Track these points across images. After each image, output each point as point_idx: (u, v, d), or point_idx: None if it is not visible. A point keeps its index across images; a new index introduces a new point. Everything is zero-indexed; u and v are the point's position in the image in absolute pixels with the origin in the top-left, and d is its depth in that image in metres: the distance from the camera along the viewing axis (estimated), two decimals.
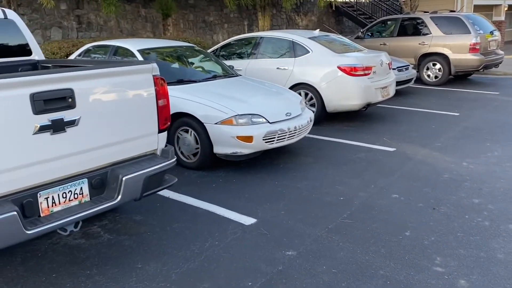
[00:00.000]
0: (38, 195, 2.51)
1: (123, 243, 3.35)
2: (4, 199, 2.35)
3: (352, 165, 5.07)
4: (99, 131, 2.73)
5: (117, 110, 2.82)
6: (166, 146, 3.23)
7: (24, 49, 3.91)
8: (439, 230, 3.48)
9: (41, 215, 2.54)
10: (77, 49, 7.17)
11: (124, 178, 2.79)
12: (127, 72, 2.85)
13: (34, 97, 2.38)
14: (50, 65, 3.90)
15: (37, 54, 4.00)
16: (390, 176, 4.68)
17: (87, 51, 6.49)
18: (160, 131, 3.12)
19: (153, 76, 3.01)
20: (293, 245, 3.28)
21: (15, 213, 2.29)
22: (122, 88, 2.83)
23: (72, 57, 6.70)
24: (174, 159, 3.18)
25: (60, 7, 10.70)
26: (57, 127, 2.50)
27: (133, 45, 5.77)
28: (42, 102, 2.42)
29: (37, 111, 2.40)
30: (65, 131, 2.55)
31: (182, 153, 4.99)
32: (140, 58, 5.47)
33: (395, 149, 5.66)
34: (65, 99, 2.52)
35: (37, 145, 2.44)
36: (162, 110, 3.10)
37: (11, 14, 3.83)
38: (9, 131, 2.32)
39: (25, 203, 2.45)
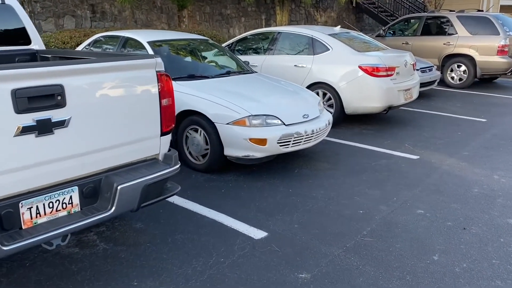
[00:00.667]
0: (20, 205, 2.21)
1: (119, 255, 3.04)
2: None
3: (372, 173, 4.70)
4: (92, 134, 2.42)
5: (114, 110, 2.49)
6: (169, 150, 2.90)
7: (23, 38, 3.61)
8: (471, 255, 3.10)
9: (23, 227, 2.24)
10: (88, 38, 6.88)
11: (119, 187, 2.47)
12: (127, 67, 2.52)
13: (16, 94, 2.07)
14: (49, 55, 3.60)
15: (37, 43, 3.70)
16: (414, 188, 4.30)
17: (96, 41, 6.20)
18: (163, 134, 2.80)
19: (157, 72, 2.68)
20: (307, 266, 2.94)
21: None
22: (120, 85, 2.51)
23: (80, 47, 6.42)
24: (177, 166, 2.85)
25: None
26: (43, 128, 2.19)
27: (144, 36, 5.46)
28: (26, 100, 2.11)
29: (19, 109, 2.09)
30: (53, 133, 2.24)
31: (190, 153, 4.67)
32: (150, 50, 5.15)
33: (418, 157, 5.26)
34: (53, 97, 2.21)
35: (19, 149, 2.13)
36: (166, 110, 2.77)
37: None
38: None
39: (4, 214, 2.14)
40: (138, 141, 2.66)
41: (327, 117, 4.97)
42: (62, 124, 2.26)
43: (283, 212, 3.74)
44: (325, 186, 4.32)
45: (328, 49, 6.56)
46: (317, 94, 6.43)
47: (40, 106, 2.16)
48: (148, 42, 5.27)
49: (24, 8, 8.50)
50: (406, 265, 2.97)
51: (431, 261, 3.03)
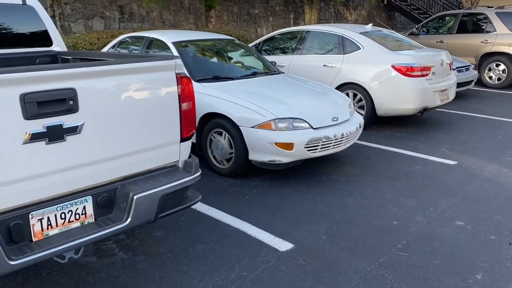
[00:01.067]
0: (30, 216, 2.09)
1: (138, 265, 2.90)
2: None
3: (406, 180, 4.41)
4: (107, 140, 2.28)
5: (130, 114, 2.35)
6: (189, 157, 2.73)
7: (44, 39, 3.53)
8: None
9: (33, 239, 2.12)
10: None
11: (135, 197, 2.33)
12: (144, 69, 2.37)
13: (25, 99, 1.94)
14: (70, 57, 3.50)
15: (58, 45, 3.62)
16: (452, 197, 3.99)
17: (121, 42, 6.14)
18: (183, 139, 2.64)
19: (177, 74, 2.52)
20: (337, 283, 2.72)
21: None
22: (137, 88, 2.36)
23: (106, 48, 6.38)
24: (198, 173, 2.68)
25: None
26: (55, 135, 2.06)
27: (169, 37, 5.34)
28: (36, 105, 1.98)
29: (28, 115, 1.97)
30: (65, 140, 2.10)
31: (214, 157, 4.51)
32: (174, 51, 5.03)
33: (456, 162, 4.93)
34: (65, 101, 2.07)
35: (29, 157, 2.01)
36: (186, 115, 2.61)
37: (31, 0, 3.45)
38: None
39: (12, 226, 2.02)
40: (156, 147, 2.51)
41: (358, 120, 4.72)
42: (74, 130, 2.12)
43: (310, 221, 3.52)
44: (356, 193, 4.08)
45: (359, 48, 6.29)
46: (347, 95, 6.16)
47: (51, 111, 2.03)
48: (173, 43, 5.15)
49: (54, 10, 8.61)
50: (446, 284, 2.71)
51: (474, 280, 2.75)
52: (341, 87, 6.26)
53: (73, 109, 2.11)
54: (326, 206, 3.81)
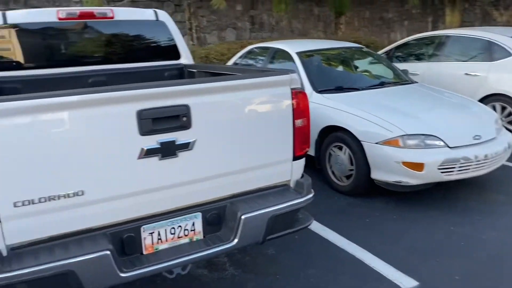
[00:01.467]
0: (142, 229, 2.12)
1: (247, 284, 2.82)
2: (101, 232, 2.02)
3: None
4: (217, 157, 2.22)
5: (241, 131, 2.27)
6: (302, 177, 2.56)
7: (173, 53, 3.70)
8: None
9: (144, 252, 2.15)
10: None
11: (243, 217, 2.23)
12: (258, 85, 2.27)
13: (141, 115, 1.98)
14: (195, 70, 3.61)
15: (186, 58, 3.77)
16: None
17: (249, 52, 6.26)
18: (295, 158, 2.47)
19: (292, 89, 2.37)
20: None
21: (108, 252, 1.92)
22: (250, 104, 2.27)
23: (234, 58, 6.57)
24: (311, 195, 2.49)
25: (236, 8, 10.97)
26: (167, 151, 2.06)
27: (293, 47, 5.25)
28: (151, 121, 2.00)
29: (144, 131, 2.00)
30: (177, 156, 2.10)
31: (333, 173, 4.26)
32: (298, 61, 4.91)
33: None
34: (178, 118, 2.07)
35: (143, 172, 2.04)
36: (300, 132, 2.44)
37: (163, 16, 3.65)
38: (110, 154, 1.96)
39: (126, 238, 2.08)
40: (267, 165, 2.39)
41: (507, 139, 4.03)
42: (186, 147, 2.11)
43: (441, 256, 3.06)
44: (498, 227, 3.45)
45: (511, 55, 5.43)
46: (494, 108, 5.36)
47: (165, 127, 2.04)
48: (297, 53, 5.04)
49: (191, 22, 9.23)
50: None
51: None
52: (486, 99, 5.47)
53: (186, 126, 2.09)
54: (461, 239, 3.29)
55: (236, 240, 2.25)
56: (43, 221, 1.89)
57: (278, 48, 5.45)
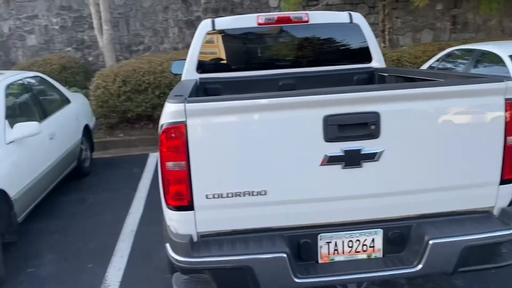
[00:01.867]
0: (319, 237, 2.07)
1: None
2: (279, 234, 2.03)
3: None
4: (406, 172, 2.01)
5: (436, 145, 2.01)
6: (510, 205, 2.13)
7: (364, 56, 3.56)
8: None
9: (319, 261, 2.09)
10: None
11: (431, 242, 1.97)
12: (461, 93, 1.97)
13: (327, 121, 1.92)
14: (386, 74, 3.40)
15: (378, 61, 3.58)
16: None
17: (449, 55, 5.67)
18: (503, 181, 2.07)
19: (506, 99, 1.98)
20: None
21: (285, 255, 1.93)
22: (449, 115, 1.99)
23: (431, 61, 6.04)
24: None
25: (436, 7, 10.09)
26: (351, 160, 1.96)
27: (504, 49, 4.52)
28: (337, 127, 1.92)
29: (328, 138, 1.93)
30: (361, 166, 1.97)
31: None
32: (510, 66, 4.20)
33: None
34: (366, 126, 1.94)
35: (324, 179, 1.98)
36: None
37: (357, 18, 3.53)
38: (293, 158, 1.96)
39: (302, 243, 2.05)
40: (464, 186, 2.06)
41: None
42: (372, 157, 1.96)
43: None
44: None
45: None
46: None
47: (351, 135, 1.94)
48: (510, 56, 4.31)
49: (384, 24, 8.87)
50: None
51: None
52: None
53: (374, 135, 1.95)
54: None
55: (420, 266, 2.01)
56: (228, 214, 2.01)
57: (485, 50, 4.77)
